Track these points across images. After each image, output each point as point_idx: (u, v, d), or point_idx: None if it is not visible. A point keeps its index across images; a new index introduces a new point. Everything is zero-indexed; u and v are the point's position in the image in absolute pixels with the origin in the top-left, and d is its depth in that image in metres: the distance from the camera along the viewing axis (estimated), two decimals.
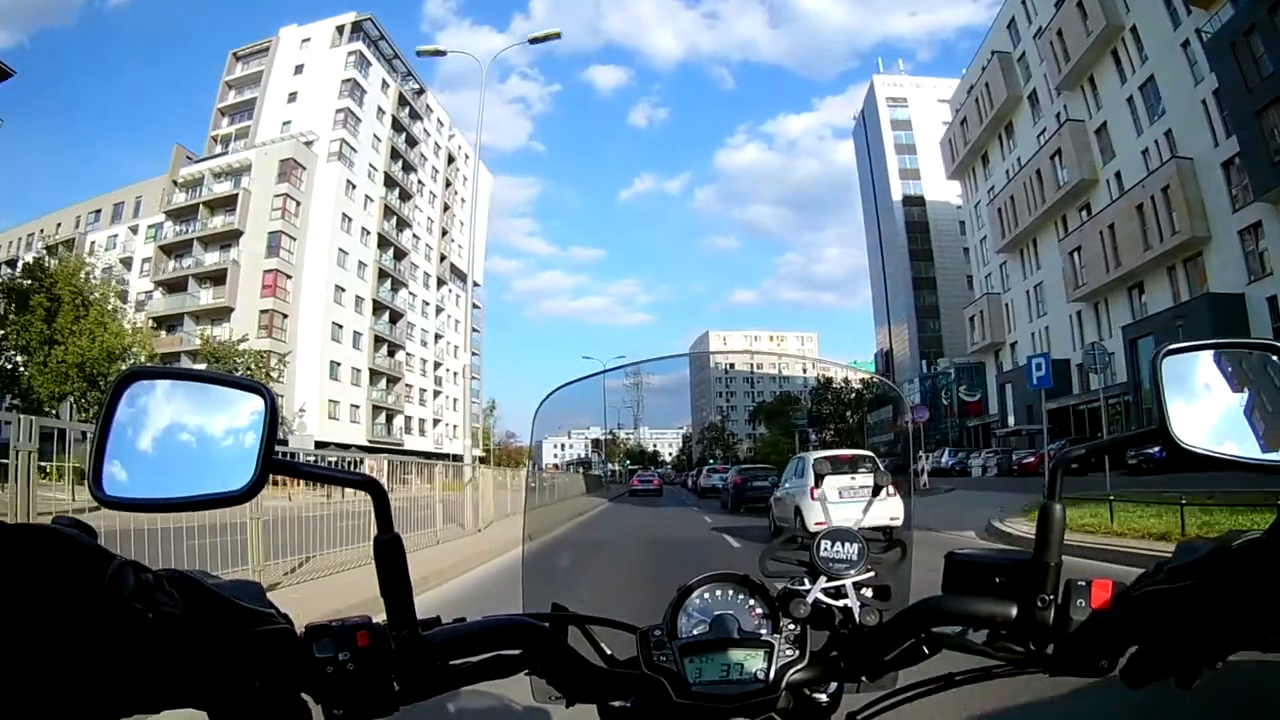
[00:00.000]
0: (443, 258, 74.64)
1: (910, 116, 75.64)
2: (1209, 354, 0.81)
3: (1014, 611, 0.77)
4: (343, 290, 58.29)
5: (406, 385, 66.11)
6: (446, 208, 75.97)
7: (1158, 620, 0.69)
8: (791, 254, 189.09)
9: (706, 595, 0.95)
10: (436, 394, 72.33)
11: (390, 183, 65.66)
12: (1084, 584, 0.75)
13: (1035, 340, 48.85)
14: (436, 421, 71.71)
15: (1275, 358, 0.78)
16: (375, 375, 61.89)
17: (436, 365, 72.53)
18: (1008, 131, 53.29)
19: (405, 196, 67.97)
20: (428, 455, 61.85)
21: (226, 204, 56.32)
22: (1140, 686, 0.70)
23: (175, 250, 57.21)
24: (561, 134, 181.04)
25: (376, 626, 0.73)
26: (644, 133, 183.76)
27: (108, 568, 0.55)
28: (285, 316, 54.72)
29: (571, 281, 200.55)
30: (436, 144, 74.89)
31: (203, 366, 39.36)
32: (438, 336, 73.14)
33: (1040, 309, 49.44)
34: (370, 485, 0.77)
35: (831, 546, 0.98)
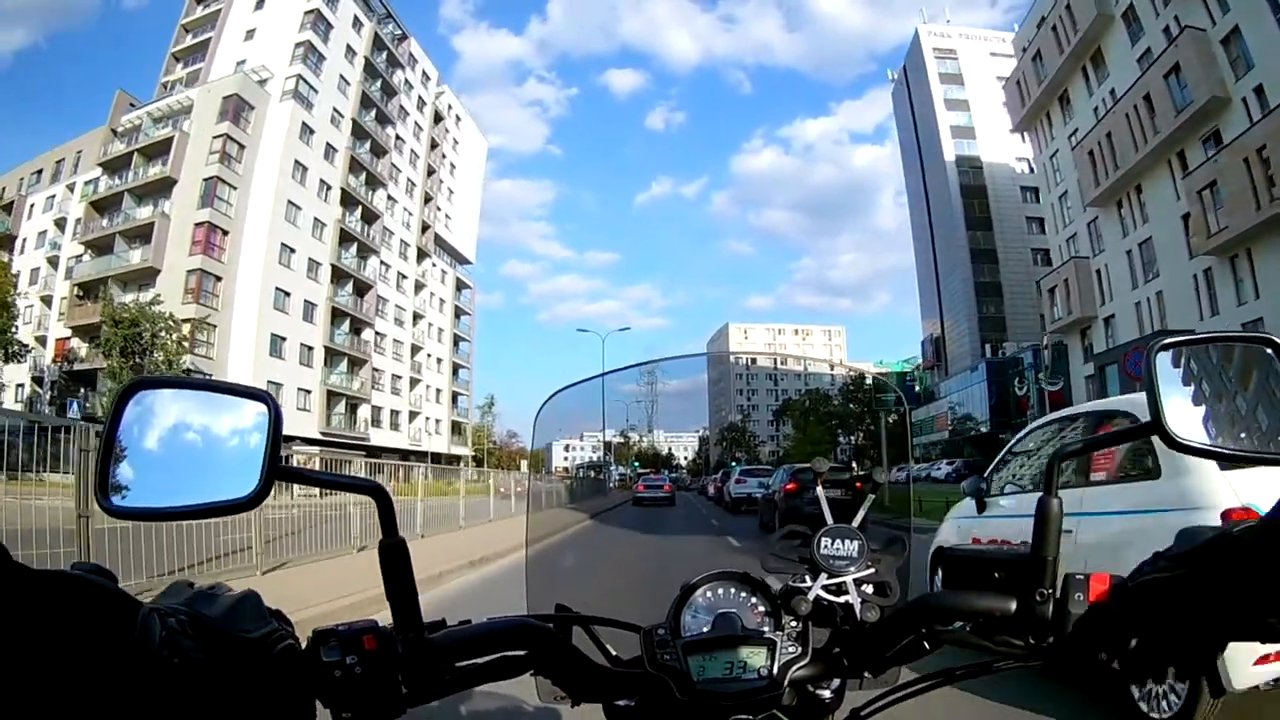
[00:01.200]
0: (425, 227, 65.53)
1: (961, 70, 65.68)
2: (1202, 348, 0.82)
3: (1013, 606, 0.78)
4: (292, 251, 49.20)
5: (375, 370, 56.82)
6: (431, 171, 66.94)
7: (1155, 610, 0.69)
8: (807, 259, 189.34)
9: (709, 594, 0.98)
10: (415, 383, 63.06)
11: (361, 134, 56.72)
12: (1082, 577, 0.76)
13: (1142, 311, 39.13)
14: (414, 415, 62.35)
15: (1269, 351, 0.78)
16: (333, 355, 52.72)
17: (415, 350, 63.34)
18: (1095, 62, 43.44)
19: (379, 152, 58.98)
20: (404, 455, 52.88)
21: (163, 150, 47.56)
22: (1140, 679, 0.73)
23: (107, 206, 48.53)
24: (578, 137, 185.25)
25: (383, 630, 0.74)
26: (661, 136, 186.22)
27: (136, 616, 0.56)
28: (218, 280, 45.71)
29: (587, 285, 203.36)
30: (420, 99, 65.91)
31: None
32: (417, 316, 63.98)
33: (1148, 271, 39.42)
34: (375, 490, 0.79)
35: (832, 544, 1.01)
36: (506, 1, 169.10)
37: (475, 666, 0.80)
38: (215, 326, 45.05)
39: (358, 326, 55.61)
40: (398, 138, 61.73)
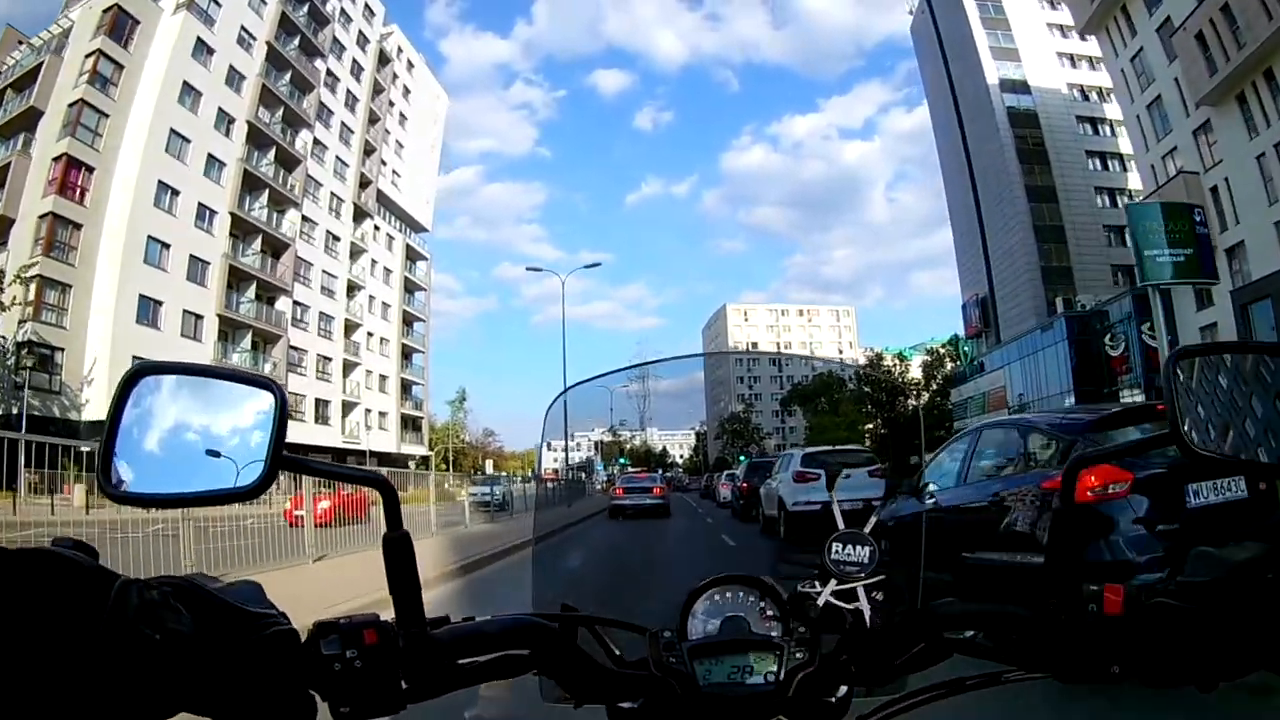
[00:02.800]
0: (366, 182, 55.44)
1: None
2: (1221, 357, 0.83)
3: (1026, 616, 0.78)
4: (175, 193, 39.14)
5: (294, 349, 46.63)
6: (375, 120, 56.93)
7: (1168, 632, 0.70)
8: (799, 255, 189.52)
9: (717, 597, 0.98)
10: (350, 367, 52.81)
11: (280, 63, 46.83)
12: (1096, 589, 0.75)
13: None
14: (350, 406, 52.02)
15: None
16: (233, 328, 42.61)
17: (351, 327, 53.13)
18: None
19: (304, 87, 49.02)
20: (339, 455, 43.90)
21: (32, 80, 37.72)
22: (1157, 686, 0.72)
23: None
24: (567, 139, 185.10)
25: (384, 624, 0.73)
26: (649, 136, 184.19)
27: (110, 589, 0.56)
28: (77, 228, 35.70)
29: (580, 286, 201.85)
30: (362, 34, 55.93)
31: None
32: (354, 287, 53.77)
33: None
34: (379, 483, 0.78)
35: (843, 549, 1.05)
36: (491, 4, 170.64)
37: (477, 664, 0.79)
38: (70, 286, 35.08)
39: (269, 294, 45.48)
40: (329, 74, 51.76)
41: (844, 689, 0.88)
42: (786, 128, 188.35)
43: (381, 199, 57.12)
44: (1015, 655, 0.80)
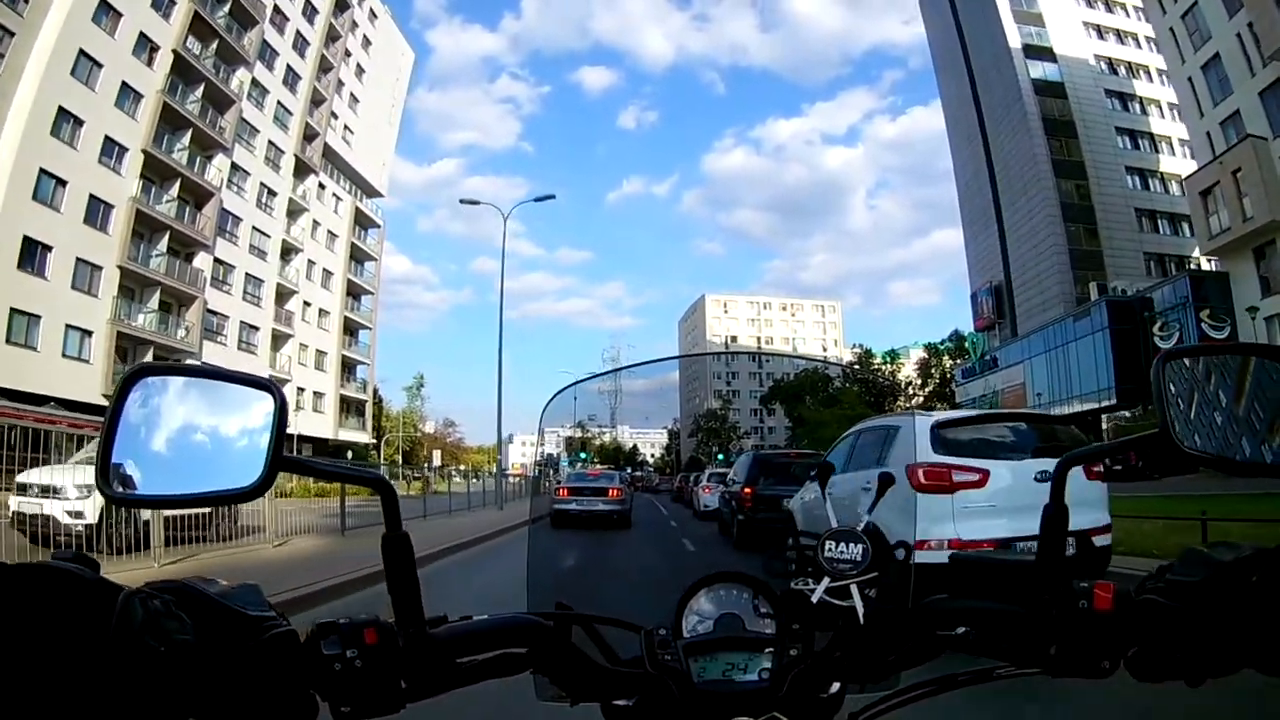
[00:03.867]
0: (312, 135, 49.82)
1: None
2: (1209, 358, 0.84)
3: (1017, 612, 0.80)
4: (79, 123, 33.43)
5: (212, 313, 40.94)
6: (327, 68, 51.35)
7: (1157, 629, 0.72)
8: (778, 260, 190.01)
9: (711, 595, 1.01)
10: (281, 338, 47.24)
11: None
12: (1086, 586, 0.77)
13: None
14: (279, 383, 46.15)
15: (1274, 361, 0.81)
16: (139, 283, 36.84)
17: (284, 295, 47.51)
18: None
19: (246, 21, 43.40)
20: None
21: None
22: (1147, 680, 0.74)
23: None
24: (550, 135, 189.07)
25: (384, 624, 0.74)
26: (633, 135, 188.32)
27: (115, 603, 0.57)
28: None
29: (558, 283, 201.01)
30: None
31: None
32: (290, 250, 48.18)
33: None
34: (379, 483, 0.80)
35: (836, 547, 1.09)
36: None
37: (475, 663, 0.80)
38: None
39: (187, 249, 39.75)
40: (277, 11, 46.15)
41: (837, 685, 0.90)
42: (770, 131, 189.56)
43: (329, 155, 51.50)
44: (1007, 651, 0.81)
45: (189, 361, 40.58)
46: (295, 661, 0.68)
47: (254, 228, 44.39)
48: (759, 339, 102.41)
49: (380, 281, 60.66)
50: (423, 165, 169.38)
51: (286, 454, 0.75)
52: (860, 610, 1.04)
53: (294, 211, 48.36)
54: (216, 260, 41.07)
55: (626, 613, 0.97)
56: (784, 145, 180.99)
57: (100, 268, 34.35)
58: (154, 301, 37.19)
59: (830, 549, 1.09)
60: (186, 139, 39.34)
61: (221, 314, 41.66)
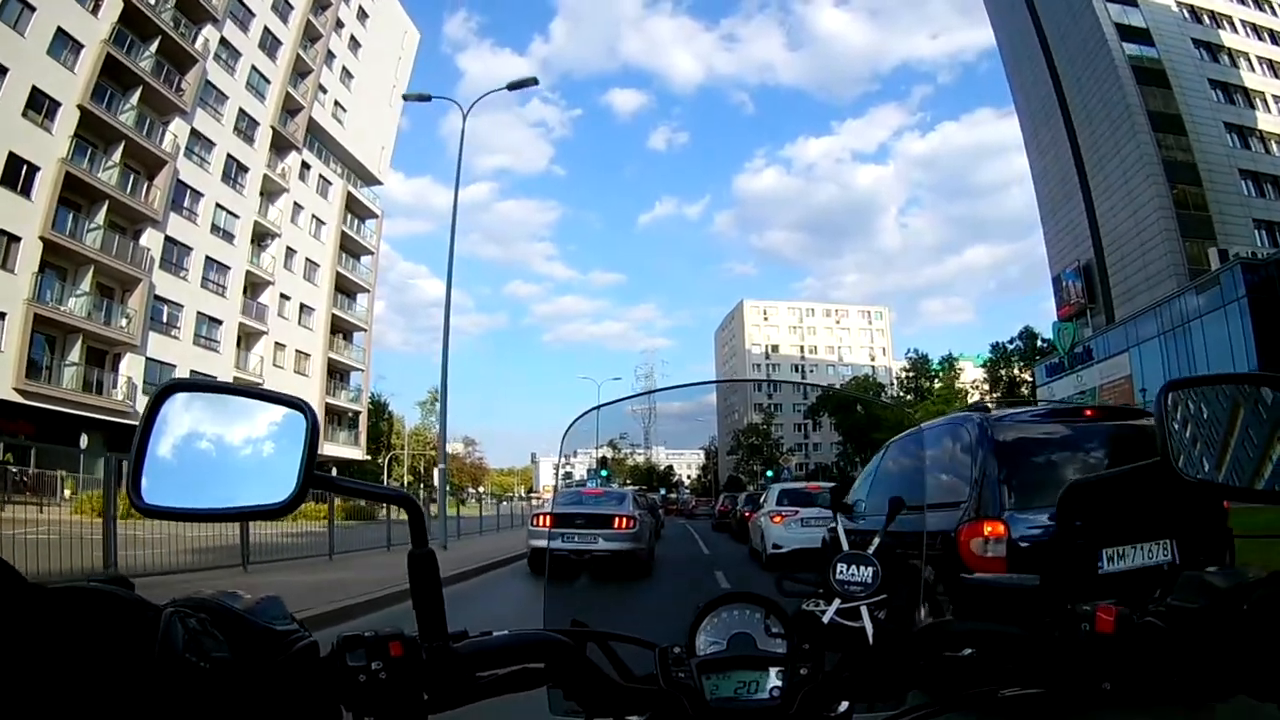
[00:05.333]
0: (295, 109, 44.73)
1: None
2: (1210, 388, 0.88)
3: (1021, 634, 0.84)
4: (2, 72, 28.41)
5: (161, 300, 35.50)
6: (315, 37, 46.34)
7: (1156, 652, 0.76)
8: (810, 279, 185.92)
9: (725, 614, 1.05)
10: (252, 337, 41.79)
11: None
12: (1088, 609, 0.81)
13: None
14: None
15: (1273, 390, 0.86)
16: (71, 261, 31.47)
17: (254, 286, 42.04)
18: None
19: None
20: None
21: None
22: (1147, 703, 0.77)
23: None
24: (581, 158, 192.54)
25: (409, 637, 0.78)
26: (663, 156, 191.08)
27: (158, 622, 0.60)
28: None
29: (591, 306, 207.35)
30: None
31: None
32: (264, 235, 42.84)
33: None
34: (405, 501, 0.85)
35: (847, 569, 1.14)
36: (509, 20, 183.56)
37: (495, 677, 0.83)
38: None
39: (132, 224, 34.44)
40: None
41: (845, 704, 0.93)
42: (800, 150, 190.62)
43: (316, 132, 46.25)
44: (1011, 672, 0.84)
45: (141, 356, 36.23)
46: (321, 674, 0.71)
47: (218, 204, 38.86)
48: (802, 348, 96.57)
49: (377, 277, 55.32)
50: (438, 174, 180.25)
51: (317, 473, 0.77)
52: (869, 631, 1.09)
53: (271, 192, 43.01)
54: (169, 239, 35.58)
55: (641, 630, 1.01)
56: (814, 164, 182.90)
57: (18, 238, 29.05)
58: (87, 282, 31.83)
59: (841, 571, 1.12)
60: (135, 98, 34.18)
61: (174, 302, 36.07)
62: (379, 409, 58.09)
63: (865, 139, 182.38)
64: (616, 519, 9.47)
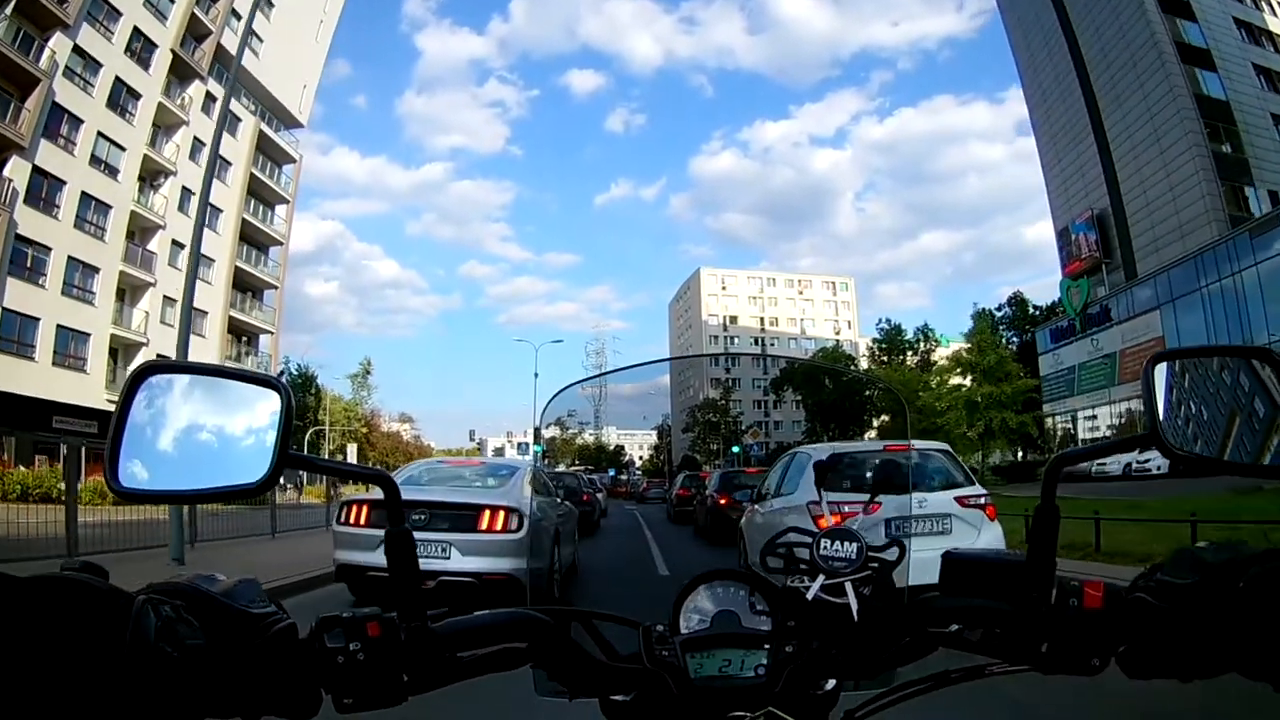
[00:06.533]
0: (203, 35, 40.10)
1: None
2: (1199, 360, 0.90)
3: (1009, 610, 0.83)
4: None
5: (24, 240, 30.69)
6: None
7: (1146, 628, 0.75)
8: (766, 262, 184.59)
9: (708, 592, 1.06)
10: (137, 289, 37.23)
11: None
12: (1076, 584, 0.80)
13: None
14: (127, 349, 36.14)
15: (1261, 363, 0.84)
16: None
17: (142, 231, 37.43)
18: None
19: None
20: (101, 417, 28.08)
21: None
22: (1136, 678, 0.77)
23: None
24: (538, 139, 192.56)
25: (387, 617, 0.77)
26: (621, 138, 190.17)
27: (129, 611, 0.59)
28: None
29: (546, 287, 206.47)
30: None
31: None
32: (157, 173, 38.28)
33: None
34: (381, 479, 0.83)
35: (831, 545, 1.13)
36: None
37: (476, 657, 0.83)
38: None
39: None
40: None
41: (832, 682, 0.93)
42: (758, 133, 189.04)
43: (223, 58, 41.43)
44: (998, 649, 0.84)
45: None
46: (299, 656, 0.71)
47: (101, 134, 34.13)
48: (762, 319, 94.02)
49: (291, 230, 50.85)
50: (410, 169, 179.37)
51: (293, 451, 0.77)
52: (855, 608, 1.07)
53: (168, 125, 38.41)
54: (37, 170, 30.83)
55: (624, 609, 1.00)
56: (772, 147, 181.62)
57: None
58: None
59: (825, 547, 1.12)
60: (10, 7, 29.50)
61: (39, 243, 31.37)
62: (307, 381, 53.88)
63: (824, 123, 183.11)
64: (485, 514, 6.79)
